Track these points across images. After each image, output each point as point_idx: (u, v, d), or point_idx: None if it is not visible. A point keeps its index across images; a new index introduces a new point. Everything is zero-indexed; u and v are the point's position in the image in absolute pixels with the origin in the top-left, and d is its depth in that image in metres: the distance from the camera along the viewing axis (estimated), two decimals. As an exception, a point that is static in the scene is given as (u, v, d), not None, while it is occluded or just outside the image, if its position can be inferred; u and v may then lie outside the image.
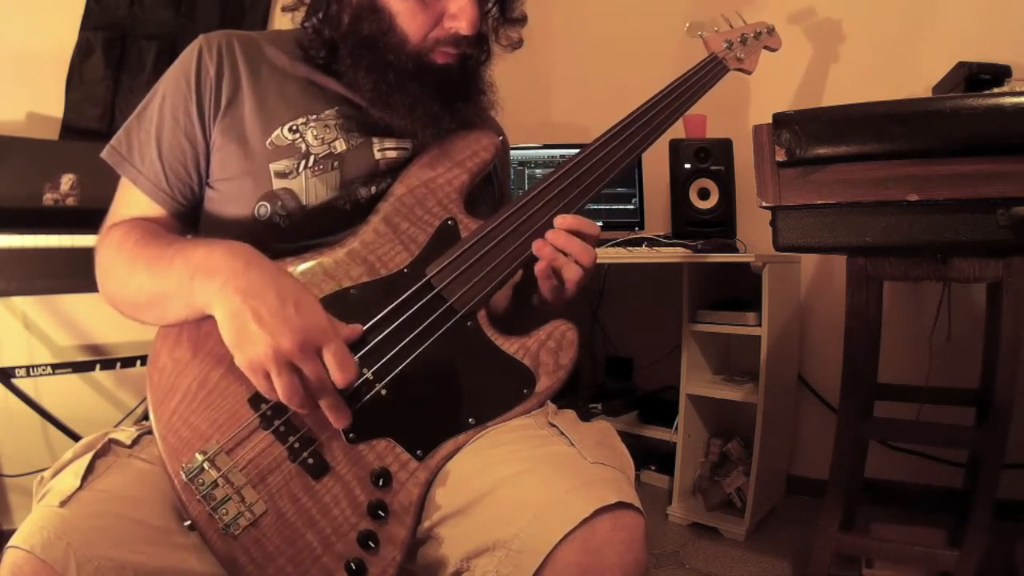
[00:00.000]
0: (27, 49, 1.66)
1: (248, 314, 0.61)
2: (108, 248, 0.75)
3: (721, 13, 1.08)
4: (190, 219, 0.81)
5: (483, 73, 0.85)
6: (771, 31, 1.15)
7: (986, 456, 1.23)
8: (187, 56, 0.79)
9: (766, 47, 1.15)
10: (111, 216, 0.80)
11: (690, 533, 1.85)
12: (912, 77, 1.83)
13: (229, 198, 0.78)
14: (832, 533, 1.33)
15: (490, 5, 0.84)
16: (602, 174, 0.80)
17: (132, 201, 0.78)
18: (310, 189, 0.77)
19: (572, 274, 0.73)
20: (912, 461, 1.86)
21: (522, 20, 0.87)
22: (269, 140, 0.77)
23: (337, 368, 0.63)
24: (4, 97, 1.64)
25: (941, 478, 1.80)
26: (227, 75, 0.78)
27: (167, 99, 0.78)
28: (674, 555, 1.71)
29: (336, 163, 0.78)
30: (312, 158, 0.78)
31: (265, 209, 0.76)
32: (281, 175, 0.76)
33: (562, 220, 0.75)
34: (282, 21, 0.84)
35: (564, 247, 0.73)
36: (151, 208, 0.78)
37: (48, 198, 1.55)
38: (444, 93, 0.79)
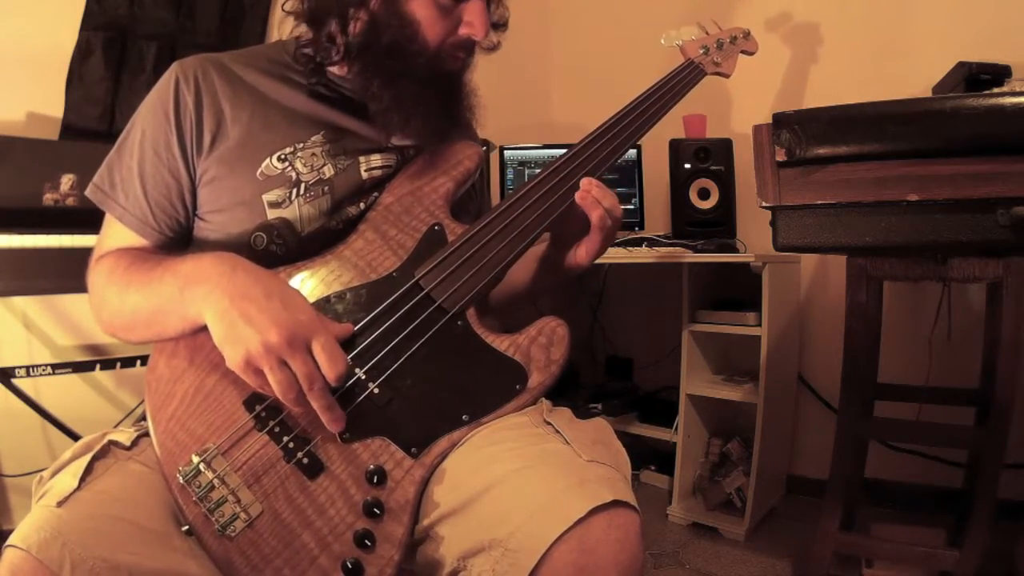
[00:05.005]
0: (27, 49, 1.66)
1: (236, 314, 0.63)
2: (99, 278, 0.75)
3: (697, 21, 1.11)
4: (179, 248, 0.81)
5: (470, 77, 0.86)
6: (747, 35, 1.17)
7: (986, 456, 1.23)
8: (163, 88, 0.78)
9: (743, 51, 1.16)
10: (98, 249, 0.80)
11: (690, 533, 1.85)
12: (912, 77, 1.83)
13: (221, 229, 0.78)
14: (832, 533, 1.33)
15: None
16: (578, 181, 0.81)
17: (119, 236, 0.79)
18: (303, 216, 0.78)
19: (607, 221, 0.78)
20: (912, 461, 1.86)
21: (502, 26, 0.88)
22: (259, 171, 0.77)
23: (327, 360, 0.64)
24: (4, 97, 1.64)
25: (941, 478, 1.80)
26: (207, 107, 0.78)
27: (147, 133, 0.78)
28: (674, 555, 1.71)
29: (326, 188, 0.79)
30: (303, 185, 0.78)
31: (261, 239, 0.76)
32: (275, 205, 0.77)
33: (587, 184, 0.78)
34: (282, 22, 0.84)
35: (600, 198, 0.77)
36: (138, 242, 0.78)
37: (48, 198, 1.55)
38: (448, 99, 0.81)
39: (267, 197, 0.77)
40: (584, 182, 0.78)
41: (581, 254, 0.81)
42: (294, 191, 0.78)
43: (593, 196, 0.77)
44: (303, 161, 0.79)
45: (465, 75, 0.85)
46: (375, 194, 0.81)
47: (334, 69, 0.84)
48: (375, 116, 0.80)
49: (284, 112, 0.81)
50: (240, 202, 0.77)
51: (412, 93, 0.78)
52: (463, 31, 0.79)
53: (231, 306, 0.63)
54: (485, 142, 0.96)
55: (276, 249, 0.77)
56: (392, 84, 0.78)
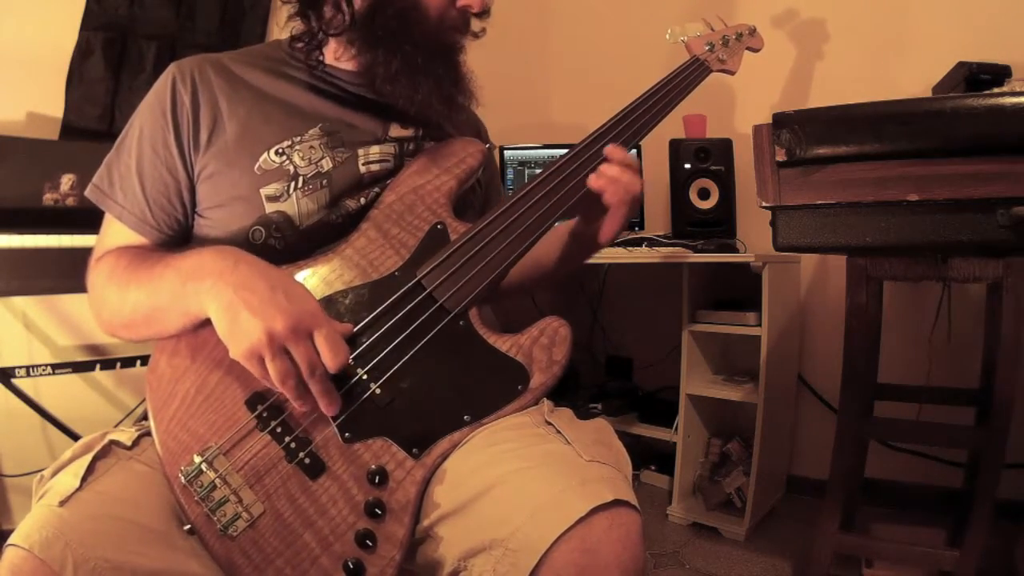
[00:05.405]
0: (27, 49, 1.66)
1: (240, 304, 0.63)
2: (99, 278, 0.75)
3: (702, 17, 1.10)
4: (178, 247, 0.80)
5: (465, 60, 0.87)
6: (752, 32, 1.17)
7: (986, 456, 1.23)
8: (161, 87, 0.79)
9: (748, 48, 1.16)
10: (98, 248, 0.80)
11: (690, 533, 1.85)
12: (912, 77, 1.83)
13: (221, 225, 0.78)
14: (832, 533, 1.33)
15: None
16: (583, 178, 0.81)
17: (118, 234, 0.79)
18: (302, 209, 0.78)
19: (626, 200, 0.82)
20: (912, 461, 1.86)
21: (486, 13, 0.88)
22: (257, 165, 0.77)
23: (328, 349, 0.64)
24: (4, 97, 1.64)
25: (941, 478, 1.80)
26: (204, 104, 0.78)
27: (145, 132, 0.78)
28: (674, 555, 1.71)
29: (324, 181, 0.79)
30: (301, 179, 0.78)
31: (260, 233, 0.77)
32: (272, 199, 0.77)
33: (612, 151, 0.82)
34: (278, 10, 0.84)
35: (617, 177, 0.80)
36: (138, 241, 0.78)
37: (48, 198, 1.55)
38: (451, 72, 0.82)
39: (265, 191, 0.77)
40: (608, 150, 0.81)
41: (607, 228, 0.83)
42: (292, 184, 0.77)
43: (608, 177, 0.80)
44: (301, 154, 0.79)
45: (462, 55, 0.85)
46: (375, 189, 0.81)
47: (332, 61, 0.84)
48: (382, 86, 0.80)
49: (282, 106, 0.81)
50: (238, 197, 0.77)
51: (419, 59, 0.79)
52: (461, 2, 0.80)
53: (235, 296, 0.63)
54: (489, 142, 0.96)
55: (275, 243, 0.77)
56: (399, 49, 0.79)
